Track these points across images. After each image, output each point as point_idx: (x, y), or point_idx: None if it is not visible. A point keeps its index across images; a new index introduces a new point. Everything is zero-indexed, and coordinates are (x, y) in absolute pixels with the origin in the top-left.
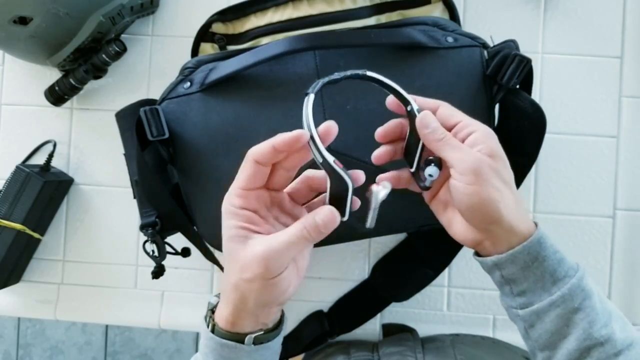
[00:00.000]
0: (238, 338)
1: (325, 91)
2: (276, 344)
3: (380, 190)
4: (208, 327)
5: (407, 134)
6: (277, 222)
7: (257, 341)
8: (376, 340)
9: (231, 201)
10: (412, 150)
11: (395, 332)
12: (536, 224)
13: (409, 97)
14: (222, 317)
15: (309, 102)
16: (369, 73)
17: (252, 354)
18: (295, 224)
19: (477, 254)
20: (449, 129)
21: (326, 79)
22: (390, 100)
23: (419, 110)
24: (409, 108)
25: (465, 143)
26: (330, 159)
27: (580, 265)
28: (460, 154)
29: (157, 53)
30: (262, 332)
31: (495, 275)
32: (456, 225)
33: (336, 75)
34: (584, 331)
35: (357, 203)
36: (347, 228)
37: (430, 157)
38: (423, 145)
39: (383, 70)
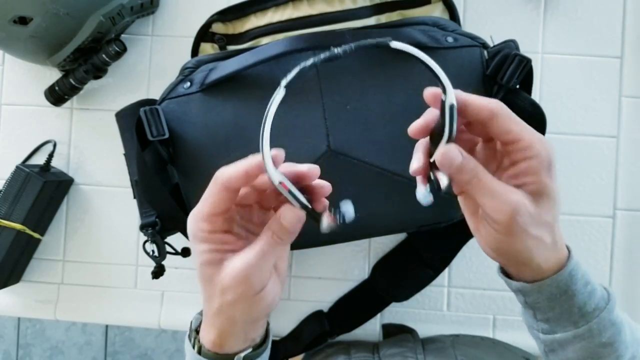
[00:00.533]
0: (227, 359)
1: (325, 91)
2: (265, 359)
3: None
4: (194, 348)
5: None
6: (250, 234)
7: (246, 359)
8: (376, 340)
9: (199, 226)
10: (435, 140)
11: (395, 333)
12: (569, 251)
13: (447, 83)
14: (208, 340)
15: (275, 99)
16: (394, 44)
17: None
18: (263, 232)
19: (503, 270)
20: (504, 143)
21: (310, 62)
22: (429, 93)
23: (452, 106)
24: (442, 97)
25: (514, 168)
26: (276, 180)
27: (611, 292)
28: (493, 202)
29: (157, 53)
30: (250, 350)
31: (519, 298)
32: (481, 239)
33: (336, 52)
34: None
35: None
36: (345, 229)
37: (435, 175)
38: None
39: (382, 71)
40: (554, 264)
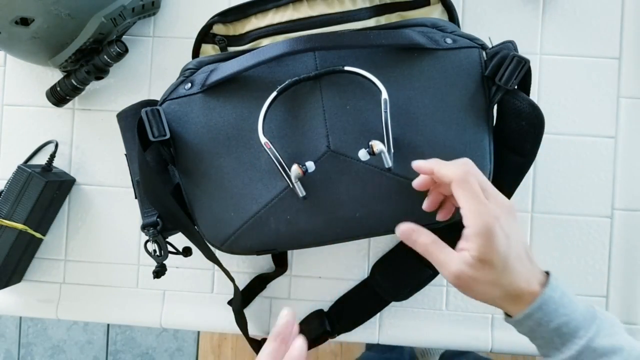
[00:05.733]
0: None
1: (325, 92)
2: None
3: None
4: None
5: None
6: None
7: None
8: (376, 341)
9: None
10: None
11: None
12: (547, 276)
13: (382, 87)
14: None
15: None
16: (347, 67)
17: None
18: None
19: None
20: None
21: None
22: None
23: (385, 100)
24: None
25: (464, 232)
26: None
27: (598, 318)
28: (441, 270)
29: (158, 54)
30: None
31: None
32: None
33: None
34: None
35: None
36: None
37: (373, 142)
38: None
39: (382, 72)
40: (524, 303)
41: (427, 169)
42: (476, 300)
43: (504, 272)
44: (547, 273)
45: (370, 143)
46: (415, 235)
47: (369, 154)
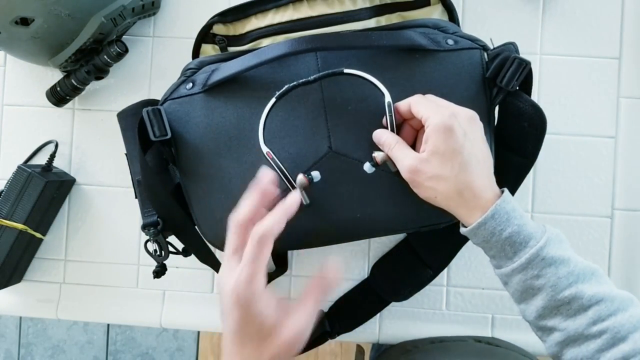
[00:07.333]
0: None
1: (326, 92)
2: None
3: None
4: None
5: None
6: None
7: None
8: (376, 340)
9: (258, 285)
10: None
11: None
12: (502, 192)
13: (385, 90)
14: None
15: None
16: (347, 70)
17: None
18: (307, 297)
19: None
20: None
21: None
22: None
23: (389, 103)
24: (385, 100)
25: (423, 137)
26: (265, 150)
27: (548, 231)
28: (399, 165)
29: (158, 54)
30: None
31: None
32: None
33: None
34: (547, 294)
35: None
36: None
37: (375, 154)
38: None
39: (383, 73)
40: (478, 210)
41: (404, 110)
42: (432, 203)
43: (463, 170)
44: (503, 190)
45: (373, 155)
46: (384, 136)
47: (374, 166)
